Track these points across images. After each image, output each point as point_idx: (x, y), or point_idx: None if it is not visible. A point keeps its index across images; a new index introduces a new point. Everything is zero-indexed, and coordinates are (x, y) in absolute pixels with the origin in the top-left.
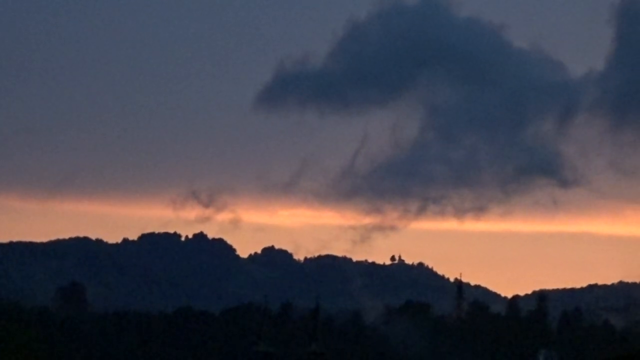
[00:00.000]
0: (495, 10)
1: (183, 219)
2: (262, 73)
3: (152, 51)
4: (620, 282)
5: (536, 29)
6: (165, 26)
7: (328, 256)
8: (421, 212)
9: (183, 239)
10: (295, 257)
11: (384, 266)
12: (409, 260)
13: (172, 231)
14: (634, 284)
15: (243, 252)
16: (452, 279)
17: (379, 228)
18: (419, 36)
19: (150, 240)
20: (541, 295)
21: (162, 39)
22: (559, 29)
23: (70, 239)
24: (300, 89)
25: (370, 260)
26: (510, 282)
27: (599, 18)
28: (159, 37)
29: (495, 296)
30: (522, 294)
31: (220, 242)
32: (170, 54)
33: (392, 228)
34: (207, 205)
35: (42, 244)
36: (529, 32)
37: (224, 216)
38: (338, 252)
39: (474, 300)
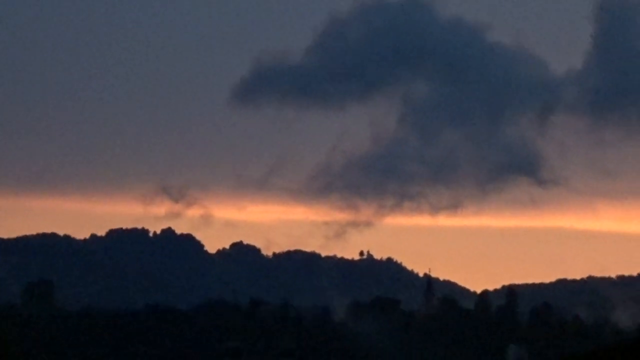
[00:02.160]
0: (477, 8)
1: (153, 215)
2: (240, 67)
3: (122, 43)
4: (590, 277)
5: (518, 27)
6: (137, 16)
7: (297, 252)
8: (395, 208)
9: (151, 234)
10: (264, 252)
11: (353, 262)
12: (377, 256)
13: (140, 227)
14: (604, 279)
15: (212, 247)
16: (421, 275)
17: (352, 224)
18: (400, 33)
19: (118, 236)
20: (510, 290)
21: (134, 29)
22: (541, 27)
23: (37, 235)
24: (278, 84)
25: (339, 256)
26: (479, 277)
27: (582, 16)
28: (129, 28)
29: (465, 291)
30: (491, 289)
31: (188, 237)
32: (142, 45)
33: (365, 224)
34: (177, 201)
35: (8, 240)
36: (511, 30)
37: (194, 212)
38: (310, 248)
39: (443, 296)
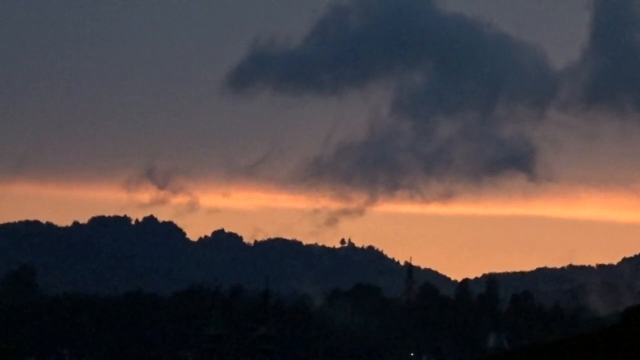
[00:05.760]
0: (475, 1)
1: (137, 202)
2: (234, 52)
3: (109, 26)
4: (570, 266)
5: (516, 20)
6: None
7: (278, 239)
8: (379, 197)
9: (133, 222)
10: (246, 240)
11: (334, 250)
12: (358, 244)
13: (122, 214)
14: (584, 267)
15: (194, 235)
16: (402, 262)
17: (338, 213)
18: (398, 22)
19: (100, 224)
20: (491, 279)
21: (123, 11)
22: (539, 20)
23: (20, 222)
24: (272, 70)
25: (320, 244)
26: (460, 266)
27: (580, 12)
28: (119, 10)
29: (445, 279)
30: (472, 277)
31: (170, 225)
32: (131, 28)
33: (350, 213)
34: (162, 188)
35: None
36: (509, 22)
37: (180, 199)
38: (293, 235)
39: (423, 284)
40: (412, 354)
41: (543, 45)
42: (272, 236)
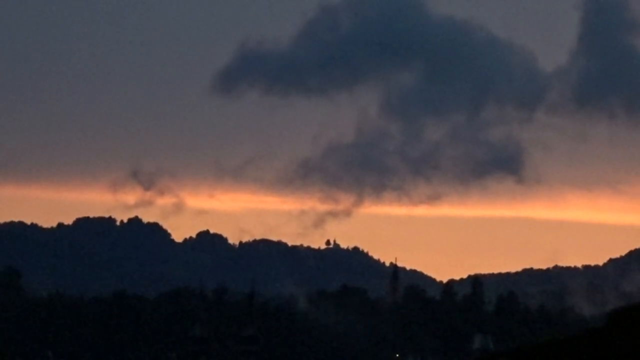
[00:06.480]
0: (464, 3)
1: (123, 203)
2: (222, 53)
3: (96, 26)
4: (556, 267)
5: (505, 22)
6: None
7: (263, 241)
8: (366, 198)
9: (118, 223)
10: (231, 241)
11: (319, 251)
12: (344, 245)
13: (107, 215)
14: (570, 269)
15: (178, 236)
16: (387, 264)
17: (325, 214)
18: (388, 24)
19: (85, 225)
20: (476, 280)
21: (109, 11)
22: (528, 23)
23: (5, 224)
24: (260, 72)
25: (306, 245)
26: (445, 267)
27: (569, 14)
28: (104, 10)
29: (431, 280)
30: (457, 278)
31: (155, 226)
32: (118, 28)
33: (336, 214)
34: (148, 189)
35: None
36: (498, 25)
37: (165, 200)
38: (278, 237)
39: (409, 285)
40: (397, 355)
41: (532, 48)
42: (258, 237)
